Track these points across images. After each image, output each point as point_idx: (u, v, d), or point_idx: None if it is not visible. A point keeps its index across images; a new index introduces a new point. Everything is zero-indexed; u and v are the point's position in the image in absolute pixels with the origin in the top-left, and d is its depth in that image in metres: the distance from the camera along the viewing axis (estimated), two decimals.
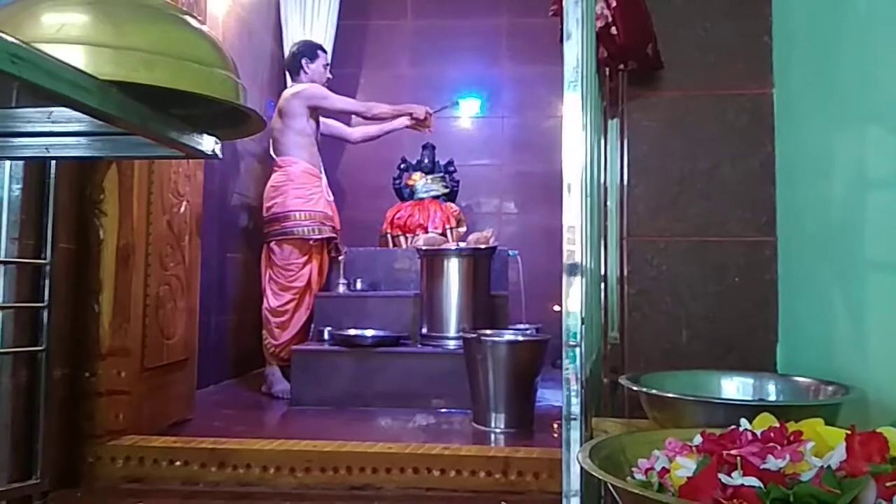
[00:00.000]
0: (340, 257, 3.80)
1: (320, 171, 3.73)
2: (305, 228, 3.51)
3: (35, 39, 0.56)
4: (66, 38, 0.58)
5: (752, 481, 0.78)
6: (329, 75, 3.82)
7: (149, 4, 0.64)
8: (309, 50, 3.78)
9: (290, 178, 3.56)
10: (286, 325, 3.51)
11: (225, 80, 0.65)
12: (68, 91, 0.50)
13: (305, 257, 3.53)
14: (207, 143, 0.72)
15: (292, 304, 3.52)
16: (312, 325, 3.60)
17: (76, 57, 0.58)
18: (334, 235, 3.68)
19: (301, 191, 3.55)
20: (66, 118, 0.64)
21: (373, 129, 4.14)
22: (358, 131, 4.15)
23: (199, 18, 0.73)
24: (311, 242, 3.53)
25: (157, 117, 0.62)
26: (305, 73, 3.74)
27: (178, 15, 0.66)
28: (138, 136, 0.67)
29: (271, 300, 3.51)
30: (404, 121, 4.03)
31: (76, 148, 0.70)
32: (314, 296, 3.61)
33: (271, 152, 3.71)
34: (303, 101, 3.58)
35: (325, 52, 3.86)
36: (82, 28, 0.59)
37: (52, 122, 0.65)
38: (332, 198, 3.78)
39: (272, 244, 3.53)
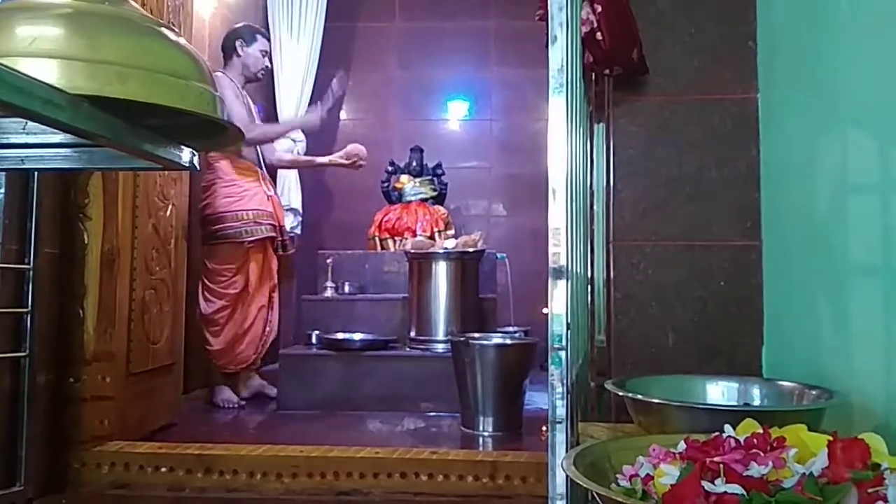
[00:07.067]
0: (291, 251, 3.56)
1: (257, 165, 3.39)
2: (238, 230, 3.18)
3: (8, 53, 0.56)
4: (39, 52, 0.57)
5: (735, 488, 0.79)
6: (267, 63, 3.44)
7: (124, 17, 0.63)
8: (247, 32, 3.39)
9: (218, 176, 3.21)
10: (219, 332, 3.21)
11: (201, 93, 0.65)
12: (37, 107, 0.49)
13: (239, 262, 3.22)
14: (185, 155, 0.72)
15: (226, 312, 3.21)
16: (267, 331, 3.36)
17: (49, 70, 0.57)
18: (274, 234, 3.32)
19: (231, 188, 3.20)
20: (41, 129, 0.63)
21: (290, 160, 3.87)
22: (275, 157, 3.72)
23: (177, 30, 0.72)
24: (245, 245, 3.20)
25: (131, 131, 0.62)
26: (238, 55, 3.33)
27: (154, 27, 0.65)
28: None
29: (203, 306, 3.22)
30: (325, 159, 3.82)
31: (52, 160, 0.69)
32: (263, 299, 3.33)
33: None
34: None
35: (266, 38, 3.48)
36: (55, 41, 0.59)
37: (27, 133, 0.64)
38: (272, 192, 3.45)
39: (205, 247, 3.24)
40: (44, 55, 0.57)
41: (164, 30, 0.66)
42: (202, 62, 0.68)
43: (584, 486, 0.87)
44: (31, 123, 0.64)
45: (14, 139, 0.66)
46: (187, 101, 0.63)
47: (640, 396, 1.28)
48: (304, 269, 4.29)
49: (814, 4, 1.64)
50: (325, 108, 3.58)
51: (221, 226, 3.17)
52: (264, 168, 3.47)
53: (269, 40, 3.53)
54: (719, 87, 2.06)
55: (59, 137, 0.66)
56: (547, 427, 1.12)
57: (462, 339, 2.87)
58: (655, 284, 2.06)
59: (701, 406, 1.27)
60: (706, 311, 2.03)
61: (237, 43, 3.33)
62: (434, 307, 3.35)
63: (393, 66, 5.18)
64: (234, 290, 3.22)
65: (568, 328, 1.13)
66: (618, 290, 2.08)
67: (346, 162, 3.81)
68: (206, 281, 3.23)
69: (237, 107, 3.27)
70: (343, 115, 5.16)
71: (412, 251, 3.54)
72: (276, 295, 3.44)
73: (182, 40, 0.68)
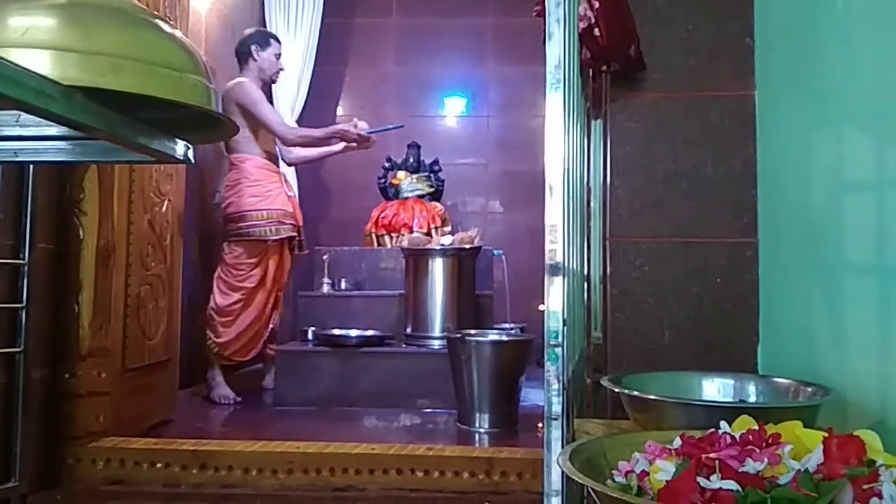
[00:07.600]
0: (306, 252, 3.63)
1: (278, 165, 3.49)
2: (262, 229, 3.28)
3: (0, 43, 0.55)
4: (32, 42, 0.57)
5: (731, 485, 0.79)
6: (282, 66, 3.52)
7: (118, 8, 0.63)
8: (261, 37, 3.46)
9: (244, 176, 3.32)
10: (230, 323, 3.29)
11: (196, 85, 0.64)
12: (30, 98, 0.48)
13: (258, 258, 3.30)
14: (179, 148, 0.71)
15: (239, 305, 3.29)
16: (270, 327, 3.44)
17: (42, 61, 0.57)
18: (294, 234, 3.42)
19: (257, 188, 3.31)
20: (36, 122, 0.63)
21: (313, 152, 3.82)
22: (294, 154, 3.76)
23: (172, 22, 0.72)
24: (268, 243, 3.30)
25: (125, 123, 0.61)
26: (255, 60, 3.39)
27: (149, 19, 0.65)
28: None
29: (217, 298, 3.29)
30: (340, 145, 3.71)
31: (46, 153, 0.69)
32: (272, 296, 3.40)
33: (223, 149, 3.50)
34: (232, 99, 3.31)
35: (278, 41, 3.54)
36: (48, 32, 0.58)
37: (21, 125, 0.63)
38: (293, 193, 3.56)
39: (224, 243, 3.33)
40: (36, 46, 0.56)
41: (158, 21, 0.65)
42: (197, 54, 0.68)
43: (580, 482, 0.87)
44: (24, 115, 0.63)
45: (7, 131, 0.66)
46: (181, 93, 0.63)
47: (636, 393, 1.28)
48: (301, 266, 4.28)
49: (811, 1, 1.64)
50: (363, 129, 3.58)
51: (246, 223, 3.28)
52: (284, 168, 3.58)
53: (280, 44, 3.58)
54: (716, 83, 2.06)
55: (53, 130, 0.65)
56: (543, 423, 1.12)
57: (458, 335, 2.87)
58: (652, 281, 2.06)
59: (697, 402, 1.27)
60: (702, 307, 2.04)
61: (252, 48, 3.42)
62: (430, 304, 3.35)
63: (390, 63, 5.17)
64: (251, 284, 3.32)
65: (564, 325, 1.13)
66: (614, 286, 2.08)
67: (346, 136, 3.70)
68: (222, 275, 3.32)
69: (270, 109, 3.40)
70: (339, 111, 5.15)
71: (409, 248, 3.54)
72: (281, 294, 3.51)
73: (177, 32, 0.67)
